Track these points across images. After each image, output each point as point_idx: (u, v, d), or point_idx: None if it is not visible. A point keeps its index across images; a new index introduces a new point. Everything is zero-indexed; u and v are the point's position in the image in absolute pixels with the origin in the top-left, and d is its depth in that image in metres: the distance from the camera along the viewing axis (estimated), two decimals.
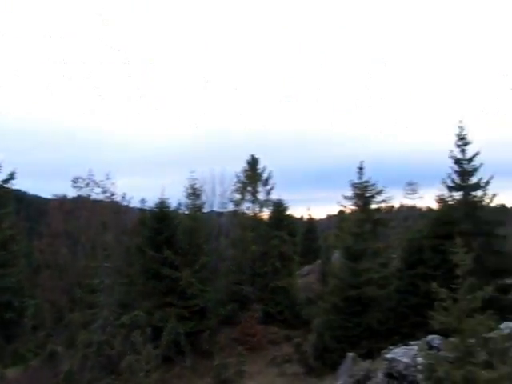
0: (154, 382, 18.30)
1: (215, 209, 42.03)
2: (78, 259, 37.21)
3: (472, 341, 10.13)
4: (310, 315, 33.23)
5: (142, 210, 41.41)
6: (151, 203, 35.43)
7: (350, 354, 20.69)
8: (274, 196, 41.74)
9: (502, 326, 17.39)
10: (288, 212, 41.52)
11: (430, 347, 15.91)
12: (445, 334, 11.28)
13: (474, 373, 9.67)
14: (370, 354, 21.34)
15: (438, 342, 15.75)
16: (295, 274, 41.59)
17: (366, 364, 18.81)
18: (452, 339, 10.46)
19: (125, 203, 42.71)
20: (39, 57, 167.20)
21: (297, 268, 42.92)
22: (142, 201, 41.35)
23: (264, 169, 42.09)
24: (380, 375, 16.97)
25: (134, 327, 22.17)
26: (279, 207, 40.62)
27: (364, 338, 25.24)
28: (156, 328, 24.26)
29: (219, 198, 41.12)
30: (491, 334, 11.00)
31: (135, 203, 43.12)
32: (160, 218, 32.86)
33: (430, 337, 16.55)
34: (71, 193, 41.51)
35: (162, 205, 33.50)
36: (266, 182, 42.05)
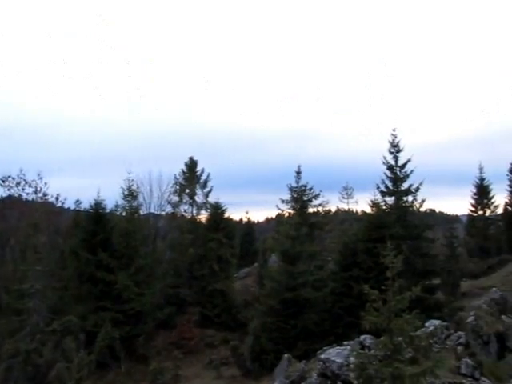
0: None
1: (152, 211, 41.48)
2: (7, 262, 35.41)
3: (400, 339, 10.65)
4: (247, 318, 33.45)
5: (76, 212, 40.12)
6: (86, 204, 34.50)
7: (286, 356, 21.00)
8: (212, 199, 41.84)
9: (427, 324, 18.39)
10: (226, 215, 41.53)
11: (363, 347, 16.54)
12: (376, 333, 11.75)
13: (400, 369, 10.17)
14: (306, 355, 21.77)
15: (369, 341, 16.41)
16: (233, 277, 41.72)
17: (301, 365, 19.16)
18: (382, 338, 10.94)
19: (59, 204, 41.16)
20: None
21: (234, 271, 43.05)
22: (77, 202, 40.10)
23: (202, 171, 42.05)
24: (314, 375, 17.39)
25: (66, 333, 21.38)
26: (217, 210, 40.58)
27: (300, 340, 25.71)
28: (90, 333, 23.58)
29: (157, 200, 40.65)
30: (417, 332, 11.62)
31: (70, 204, 41.64)
32: (95, 219, 32.00)
33: (362, 337, 17.19)
34: (0, 192, 39.56)
35: (98, 206, 32.65)
36: (204, 185, 42.01)
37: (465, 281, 35.37)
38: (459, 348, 18.03)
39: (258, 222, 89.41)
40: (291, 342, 25.48)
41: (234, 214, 77.61)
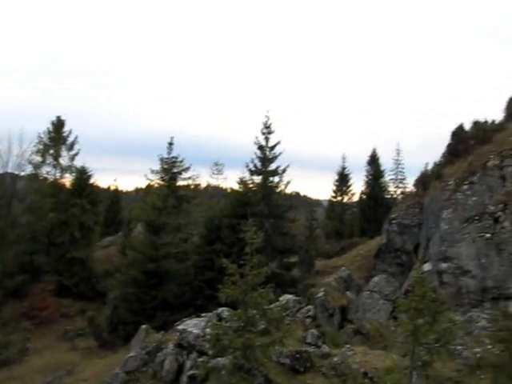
0: None
1: (10, 170, 38.08)
2: None
3: (254, 312, 11.22)
4: (107, 288, 32.57)
5: None
6: None
7: (144, 327, 20.94)
8: (78, 162, 39.56)
9: (281, 298, 19.57)
10: (92, 181, 39.67)
11: (220, 319, 17.08)
12: (234, 306, 12.22)
13: (251, 339, 10.74)
14: (165, 326, 21.90)
15: (226, 313, 16.99)
16: (95, 246, 40.21)
17: (158, 336, 19.28)
18: (237, 311, 11.43)
19: None
20: None
21: (97, 239, 41.52)
22: None
23: (70, 132, 39.49)
24: (171, 346, 17.65)
25: None
26: (83, 174, 38.52)
27: (160, 311, 25.73)
28: None
29: (16, 159, 37.36)
30: (271, 306, 12.33)
31: None
32: None
33: (220, 309, 17.74)
34: None
35: None
36: (70, 147, 39.53)
37: (320, 260, 38.03)
38: (307, 320, 19.51)
39: (126, 191, 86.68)
40: (151, 313, 25.40)
41: (101, 180, 74.30)
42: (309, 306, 20.46)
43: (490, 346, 17.74)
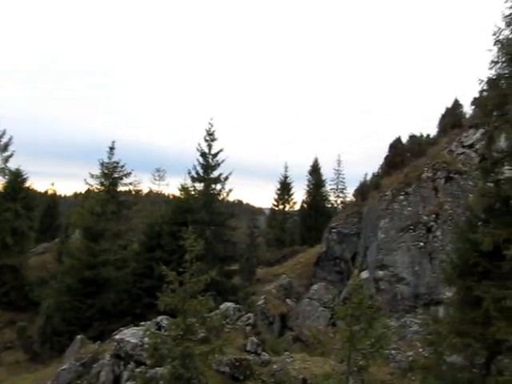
0: None
1: None
2: None
3: (193, 320, 11.10)
4: (40, 297, 31.12)
5: None
6: None
7: (79, 337, 20.21)
8: (12, 165, 37.70)
9: (222, 306, 19.51)
10: (27, 184, 37.86)
11: (159, 327, 16.78)
12: (173, 314, 12.05)
13: (190, 348, 10.61)
14: (102, 336, 21.25)
15: (166, 322, 16.71)
16: (29, 252, 38.37)
17: (94, 346, 18.67)
18: (176, 319, 11.27)
19: None
20: None
21: (32, 245, 39.64)
22: None
23: (4, 133, 37.63)
24: (107, 356, 17.12)
25: None
26: (17, 177, 36.73)
27: (96, 320, 24.93)
28: None
29: None
30: (211, 314, 12.25)
31: None
32: None
33: (159, 317, 17.42)
34: None
35: None
36: (4, 148, 37.65)
37: (261, 268, 38.23)
38: (248, 328, 19.52)
39: (65, 195, 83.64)
40: (87, 323, 24.55)
41: (39, 184, 71.31)
42: (249, 314, 20.49)
43: (421, 350, 18.50)
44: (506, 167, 12.29)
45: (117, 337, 17.53)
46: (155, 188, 51.17)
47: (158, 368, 12.92)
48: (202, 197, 28.10)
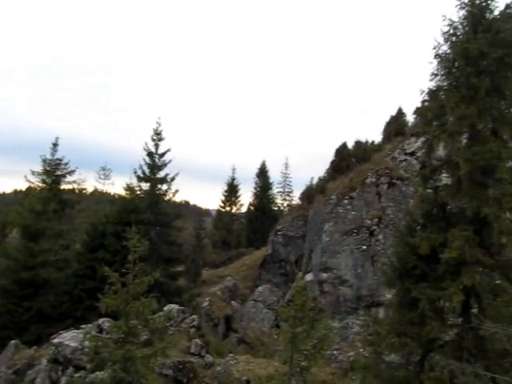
0: None
1: None
2: None
3: (135, 322, 10.89)
4: None
5: None
6: None
7: (13, 342, 19.24)
8: None
9: (166, 308, 19.25)
10: None
11: (100, 330, 16.32)
12: (116, 316, 11.75)
13: (132, 351, 10.41)
14: (40, 341, 20.41)
15: (107, 324, 16.28)
16: None
17: (30, 351, 17.85)
18: (118, 321, 11.01)
19: None
20: None
21: None
22: None
23: None
24: (44, 362, 16.42)
25: None
26: None
27: (34, 323, 23.92)
28: None
29: None
30: (154, 316, 12.07)
31: None
32: None
33: (100, 320, 16.92)
34: None
35: None
36: None
37: (206, 269, 38.10)
38: (192, 330, 19.38)
39: (3, 193, 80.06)
40: (23, 327, 23.50)
41: None
42: (193, 316, 20.34)
43: (361, 350, 19.01)
44: (444, 174, 12.88)
45: (55, 341, 16.86)
46: (100, 187, 49.83)
47: (98, 372, 12.57)
48: (147, 197, 27.62)
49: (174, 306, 20.20)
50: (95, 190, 52.06)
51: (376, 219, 25.57)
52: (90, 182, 43.10)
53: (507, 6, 12.01)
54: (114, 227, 25.31)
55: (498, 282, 11.47)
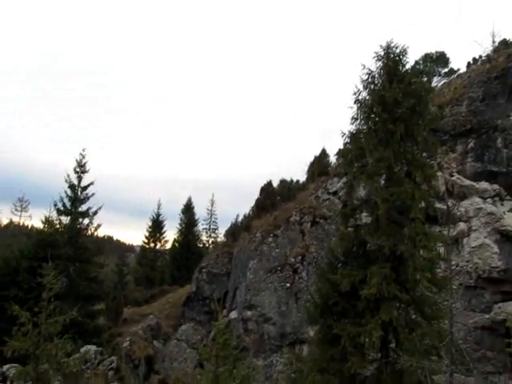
0: None
1: None
2: None
3: (46, 366, 10.12)
4: None
5: None
6: None
7: None
8: None
9: (82, 349, 18.21)
10: None
11: (5, 378, 15.01)
12: (23, 361, 10.84)
13: None
14: None
15: (14, 371, 14.92)
16: None
17: None
18: (26, 367, 10.16)
19: None
20: None
21: None
22: None
23: None
24: None
25: None
26: None
27: None
28: None
29: None
30: (69, 359, 11.31)
31: None
32: None
33: (5, 366, 15.52)
34: None
35: None
36: None
37: (129, 308, 36.67)
38: (110, 372, 18.42)
39: None
40: None
41: None
42: (112, 357, 19.38)
43: None
44: (364, 214, 13.46)
45: None
46: (16, 219, 47.04)
47: None
48: (67, 231, 26.42)
49: (92, 347, 19.16)
50: (10, 223, 49.15)
51: (299, 257, 25.98)
52: (5, 214, 40.66)
53: (416, 63, 13.17)
54: (29, 262, 23.88)
55: (413, 316, 11.99)
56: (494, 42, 28.90)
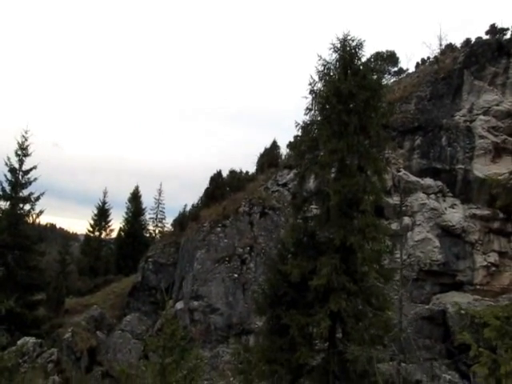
0: None
1: None
2: None
3: None
4: None
5: None
6: None
7: None
8: None
9: (20, 341, 17.39)
10: None
11: None
12: None
13: None
14: None
15: None
16: None
17: None
18: None
19: None
20: None
21: None
22: None
23: None
24: None
25: None
26: None
27: None
28: None
29: None
30: (4, 352, 10.75)
31: None
32: None
33: None
34: None
35: None
36: None
37: (71, 298, 35.48)
38: (50, 365, 17.70)
39: None
40: None
41: None
42: (52, 350, 18.59)
43: (232, 379, 18.87)
44: (313, 205, 13.53)
45: None
46: None
47: None
48: (6, 217, 25.06)
49: (30, 339, 18.30)
50: None
51: (248, 247, 25.97)
52: None
53: (370, 57, 13.28)
54: None
55: (359, 307, 12.19)
56: (441, 44, 29.88)
